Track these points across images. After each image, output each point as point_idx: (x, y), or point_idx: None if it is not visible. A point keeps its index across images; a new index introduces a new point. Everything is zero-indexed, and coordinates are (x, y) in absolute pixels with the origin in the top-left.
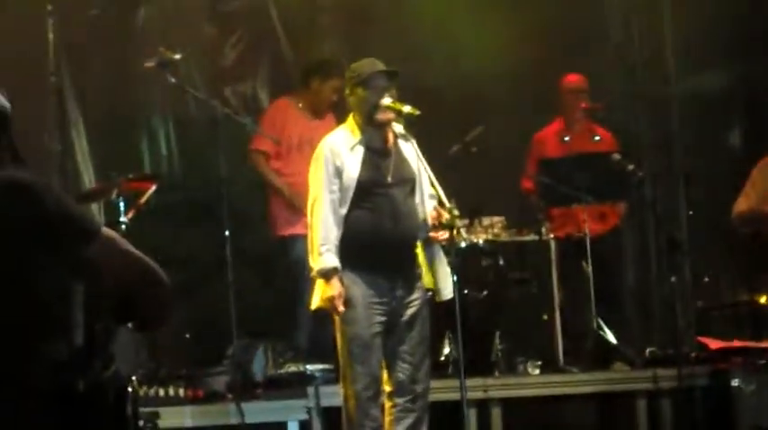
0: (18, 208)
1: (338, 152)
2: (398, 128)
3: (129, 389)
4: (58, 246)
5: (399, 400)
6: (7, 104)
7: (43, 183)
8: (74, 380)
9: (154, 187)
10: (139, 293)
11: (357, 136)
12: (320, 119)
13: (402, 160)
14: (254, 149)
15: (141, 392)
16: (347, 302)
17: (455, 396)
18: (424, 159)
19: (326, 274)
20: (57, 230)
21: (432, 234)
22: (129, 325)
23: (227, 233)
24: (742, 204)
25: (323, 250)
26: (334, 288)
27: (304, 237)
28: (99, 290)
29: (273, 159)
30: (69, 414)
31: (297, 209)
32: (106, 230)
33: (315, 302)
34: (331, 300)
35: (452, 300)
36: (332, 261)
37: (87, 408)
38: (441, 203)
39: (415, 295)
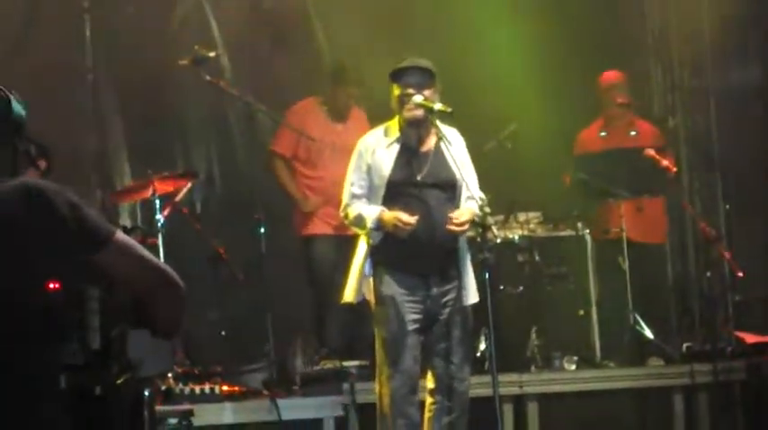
0: (32, 213)
1: (372, 149)
2: (447, 130)
3: (147, 393)
4: (71, 252)
5: (438, 397)
6: (23, 112)
7: (57, 189)
8: (90, 384)
9: (189, 185)
10: (154, 299)
11: (395, 134)
12: (343, 122)
13: (441, 162)
14: (273, 152)
15: (177, 389)
16: (381, 301)
17: (491, 392)
18: (470, 162)
19: (379, 220)
20: (69, 236)
21: (448, 226)
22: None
23: (262, 230)
24: None
25: (359, 214)
26: (390, 214)
27: (322, 237)
28: (113, 295)
29: (297, 163)
30: (85, 417)
31: (306, 208)
32: (121, 236)
33: (346, 296)
34: (396, 218)
35: (486, 296)
36: (371, 210)
37: (103, 411)
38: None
39: (453, 295)
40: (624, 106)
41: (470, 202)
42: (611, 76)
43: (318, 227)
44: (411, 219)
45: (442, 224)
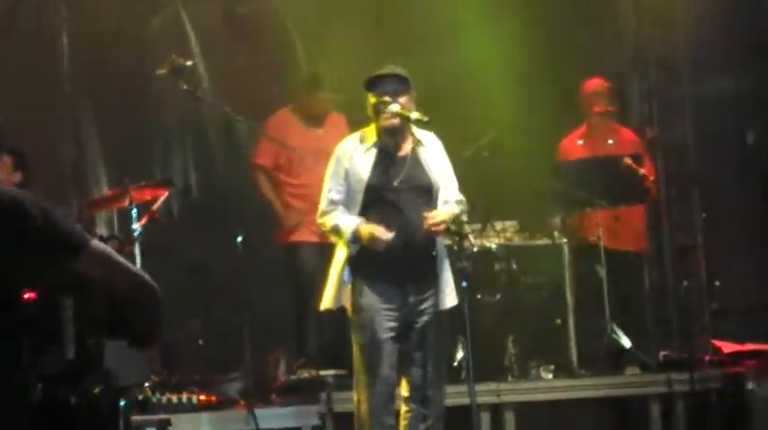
0: (6, 223)
1: (350, 154)
2: (424, 134)
3: (123, 403)
4: (46, 260)
5: (413, 405)
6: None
7: (31, 198)
8: (65, 394)
9: (166, 194)
10: (131, 308)
11: (372, 139)
12: (321, 127)
13: (418, 167)
14: (255, 164)
15: (154, 399)
16: (358, 309)
17: (468, 400)
18: (449, 165)
19: (356, 232)
20: (44, 244)
21: (424, 225)
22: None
23: (239, 239)
24: None
25: (336, 225)
26: (366, 228)
27: (307, 245)
28: (90, 305)
29: (280, 173)
30: (60, 426)
31: (287, 225)
32: (96, 244)
33: (325, 302)
34: (371, 235)
35: (463, 304)
36: (348, 222)
37: (79, 422)
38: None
39: (429, 302)
40: (603, 115)
41: (447, 206)
42: (592, 83)
43: (304, 234)
44: (387, 235)
45: (419, 229)
